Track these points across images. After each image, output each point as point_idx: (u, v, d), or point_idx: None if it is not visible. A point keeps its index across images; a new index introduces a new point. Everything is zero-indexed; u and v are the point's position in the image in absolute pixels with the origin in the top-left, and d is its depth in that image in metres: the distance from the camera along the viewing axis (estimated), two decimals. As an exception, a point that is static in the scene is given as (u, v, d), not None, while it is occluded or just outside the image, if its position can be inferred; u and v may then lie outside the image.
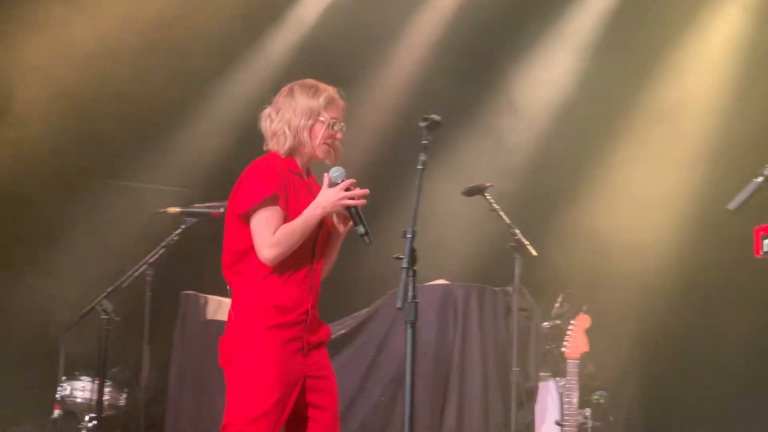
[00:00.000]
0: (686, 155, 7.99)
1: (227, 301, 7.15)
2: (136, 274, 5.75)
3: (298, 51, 8.59)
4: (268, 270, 4.16)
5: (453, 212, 8.24)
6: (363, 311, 6.94)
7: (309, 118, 4.26)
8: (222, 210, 5.69)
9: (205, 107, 8.49)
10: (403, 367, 3.97)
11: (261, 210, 4.13)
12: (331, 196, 4.18)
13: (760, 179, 3.16)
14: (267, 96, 4.40)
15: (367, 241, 4.20)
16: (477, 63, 8.60)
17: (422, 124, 4.26)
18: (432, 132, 4.26)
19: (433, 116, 4.28)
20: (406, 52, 8.66)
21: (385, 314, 6.78)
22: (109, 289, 5.58)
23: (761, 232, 4.04)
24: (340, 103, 4.34)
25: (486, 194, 6.60)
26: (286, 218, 4.14)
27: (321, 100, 4.28)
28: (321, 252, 4.33)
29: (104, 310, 5.50)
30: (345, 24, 8.46)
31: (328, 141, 4.30)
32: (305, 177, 4.35)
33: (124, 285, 5.66)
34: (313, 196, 4.23)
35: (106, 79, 7.97)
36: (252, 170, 4.23)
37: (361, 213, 4.22)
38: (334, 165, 4.34)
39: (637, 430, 7.99)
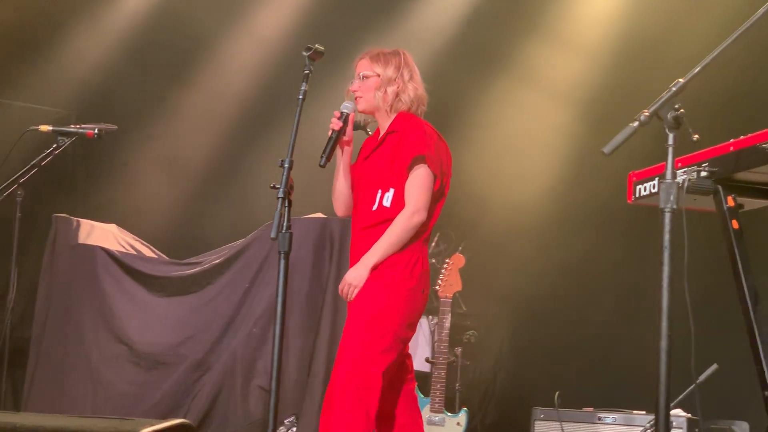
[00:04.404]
0: (564, 97, 8.03)
1: (99, 225, 7.07)
2: (6, 193, 5.55)
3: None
4: None
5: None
6: (239, 241, 6.89)
7: None
8: (96, 131, 5.55)
9: (83, 29, 8.24)
10: (276, 299, 3.94)
11: None
12: None
13: (635, 124, 3.19)
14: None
15: (321, 163, 4.46)
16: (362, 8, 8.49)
17: (305, 53, 4.25)
18: (314, 62, 4.26)
19: (316, 46, 4.28)
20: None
21: (260, 245, 6.74)
22: (-26, 207, 5.39)
23: (635, 178, 4.10)
24: (356, 63, 4.71)
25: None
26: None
27: None
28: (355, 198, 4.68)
29: (-31, 229, 5.32)
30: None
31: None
32: (380, 134, 4.72)
33: (-8, 204, 5.47)
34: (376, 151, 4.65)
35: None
36: None
37: (333, 139, 4.51)
38: (362, 113, 4.73)
39: (505, 371, 8.12)
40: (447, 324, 6.52)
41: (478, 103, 8.32)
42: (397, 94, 4.60)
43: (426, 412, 6.39)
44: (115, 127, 5.65)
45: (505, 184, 7.99)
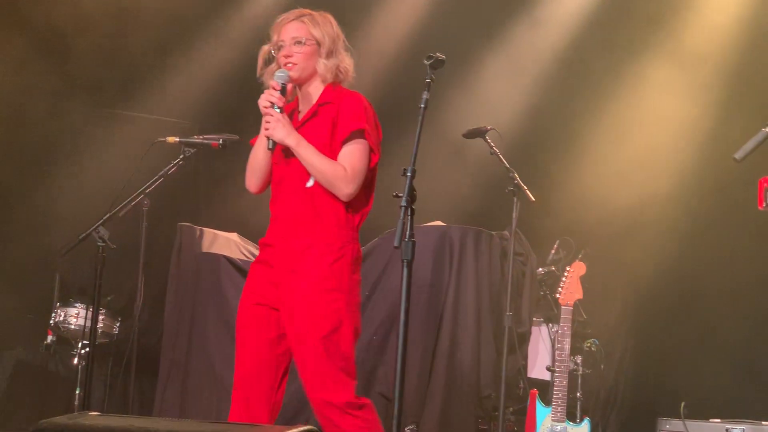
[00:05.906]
0: (693, 102, 7.88)
1: (222, 234, 7.18)
2: (133, 203, 5.72)
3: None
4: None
5: (453, 153, 8.20)
6: (359, 249, 6.93)
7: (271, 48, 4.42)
8: (221, 141, 5.67)
9: (207, 42, 8.40)
10: (396, 307, 3.95)
11: None
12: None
13: (767, 129, 3.12)
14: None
15: (269, 146, 4.31)
16: (480, 16, 8.46)
17: (426, 62, 4.23)
18: (435, 70, 4.23)
19: (438, 54, 4.26)
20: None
21: (380, 253, 6.77)
22: (105, 216, 5.54)
23: (766, 184, 4.00)
24: (284, 25, 4.38)
25: (486, 137, 6.57)
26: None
27: (272, 28, 4.42)
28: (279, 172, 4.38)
29: (101, 237, 5.47)
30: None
31: (281, 62, 4.36)
32: (305, 105, 4.43)
33: (121, 213, 5.62)
34: (308, 123, 4.36)
35: (118, 9, 7.91)
36: None
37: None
38: (294, 80, 4.38)
39: (627, 380, 8.01)
40: (568, 332, 6.46)
41: (601, 104, 8.23)
42: (336, 66, 4.36)
43: (547, 422, 6.34)
44: (237, 137, 5.77)
45: (627, 188, 7.88)
